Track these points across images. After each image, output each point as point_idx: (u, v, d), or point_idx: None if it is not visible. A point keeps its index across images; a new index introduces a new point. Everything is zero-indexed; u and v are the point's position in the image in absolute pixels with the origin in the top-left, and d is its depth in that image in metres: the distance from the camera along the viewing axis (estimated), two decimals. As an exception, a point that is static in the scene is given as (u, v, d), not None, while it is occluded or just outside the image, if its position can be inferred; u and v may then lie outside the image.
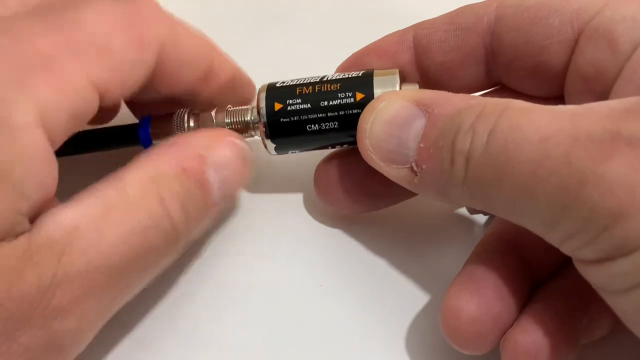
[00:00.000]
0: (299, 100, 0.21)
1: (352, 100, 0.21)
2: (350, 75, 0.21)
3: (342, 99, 0.21)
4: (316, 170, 0.24)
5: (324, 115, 0.21)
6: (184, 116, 0.23)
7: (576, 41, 0.20)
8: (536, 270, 0.20)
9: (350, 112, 0.21)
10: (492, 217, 0.24)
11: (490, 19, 0.21)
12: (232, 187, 0.22)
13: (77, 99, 0.17)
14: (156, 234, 0.18)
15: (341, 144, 0.22)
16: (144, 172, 0.19)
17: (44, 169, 0.17)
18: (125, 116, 0.24)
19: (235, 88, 0.24)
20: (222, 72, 0.23)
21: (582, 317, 0.19)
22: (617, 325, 0.19)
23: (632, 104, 0.15)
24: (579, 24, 0.20)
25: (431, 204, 0.25)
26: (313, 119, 0.21)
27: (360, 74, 0.21)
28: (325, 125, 0.21)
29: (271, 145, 0.22)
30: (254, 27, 0.32)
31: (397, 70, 0.21)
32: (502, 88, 0.23)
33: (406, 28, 0.23)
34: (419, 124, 0.18)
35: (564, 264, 0.20)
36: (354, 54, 0.23)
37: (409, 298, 0.23)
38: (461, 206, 0.25)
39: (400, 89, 0.21)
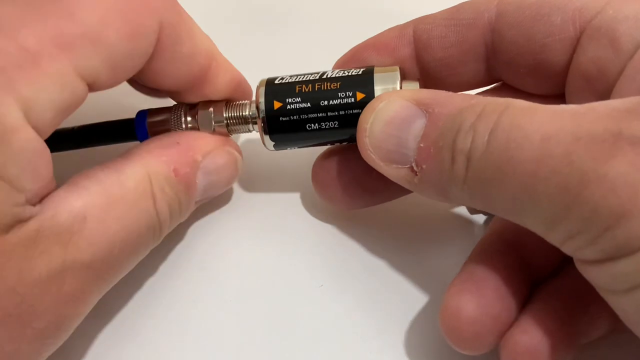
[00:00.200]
0: (298, 99, 0.21)
1: (353, 100, 0.21)
2: (350, 73, 0.21)
3: (342, 98, 0.21)
4: (314, 166, 0.24)
5: (324, 114, 0.21)
6: (181, 111, 0.23)
7: (578, 39, 0.20)
8: (536, 269, 0.20)
9: (351, 111, 0.21)
10: (491, 216, 0.24)
11: (491, 16, 0.21)
12: (214, 191, 0.23)
13: (63, 93, 0.17)
14: (146, 231, 0.20)
15: (340, 142, 0.22)
16: (141, 165, 0.20)
17: (37, 161, 0.17)
18: (122, 111, 0.24)
19: (234, 95, 0.23)
20: (221, 75, 0.22)
21: (581, 317, 0.19)
22: (617, 325, 0.19)
23: (634, 103, 0.15)
24: (581, 22, 0.20)
25: (431, 205, 0.25)
26: (313, 118, 0.21)
27: (360, 72, 0.21)
28: (325, 125, 0.21)
29: (269, 142, 0.22)
30: (252, 26, 0.32)
31: (397, 68, 0.21)
32: (503, 85, 0.23)
33: (406, 23, 0.22)
34: (419, 123, 0.18)
35: (564, 263, 0.20)
36: (352, 49, 0.23)
37: (409, 298, 0.22)
38: (461, 205, 0.25)
39: (401, 87, 0.21)
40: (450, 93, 0.19)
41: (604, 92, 0.19)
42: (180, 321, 0.22)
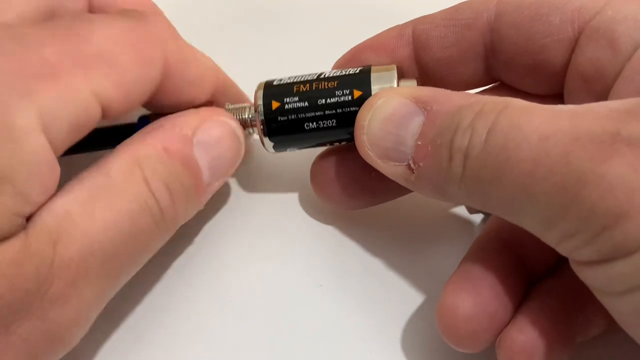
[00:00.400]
0: (296, 99, 0.21)
1: (350, 97, 0.21)
2: (347, 73, 0.21)
3: (339, 96, 0.21)
4: (312, 166, 0.24)
5: (322, 113, 0.21)
6: None
7: (576, 40, 0.20)
8: (532, 268, 0.20)
9: (348, 109, 0.21)
10: (488, 216, 0.24)
11: (490, 16, 0.21)
12: (224, 167, 0.22)
13: (79, 110, 0.17)
14: (143, 216, 0.19)
15: (339, 141, 0.22)
16: (128, 155, 0.19)
17: (46, 172, 0.17)
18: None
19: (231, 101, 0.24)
20: (226, 97, 0.23)
21: (578, 316, 0.19)
22: (613, 324, 0.19)
23: (633, 105, 0.15)
24: (580, 23, 0.20)
25: (431, 205, 0.25)
26: (311, 117, 0.21)
27: (357, 71, 0.21)
28: (323, 124, 0.21)
29: (269, 143, 0.22)
30: (252, 27, 0.32)
31: (394, 67, 0.21)
32: (501, 85, 0.23)
33: (405, 23, 0.22)
34: (417, 121, 0.18)
35: (560, 262, 0.20)
36: (351, 50, 0.23)
37: (409, 297, 0.23)
38: (459, 204, 0.25)
39: (398, 85, 0.21)
40: (449, 91, 0.19)
41: (602, 93, 0.19)
42: (179, 321, 0.22)
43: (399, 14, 0.24)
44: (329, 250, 0.24)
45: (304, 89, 0.21)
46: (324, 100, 0.21)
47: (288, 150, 0.23)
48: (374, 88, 0.20)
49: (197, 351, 0.22)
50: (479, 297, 0.19)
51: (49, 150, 0.17)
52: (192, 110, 0.21)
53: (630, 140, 0.14)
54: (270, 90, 0.22)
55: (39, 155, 0.16)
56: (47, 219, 0.17)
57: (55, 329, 0.17)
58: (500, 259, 0.20)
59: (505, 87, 0.22)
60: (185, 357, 0.22)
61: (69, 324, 0.18)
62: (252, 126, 0.23)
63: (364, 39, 0.23)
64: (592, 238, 0.15)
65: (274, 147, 0.22)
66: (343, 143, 0.22)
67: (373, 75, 0.21)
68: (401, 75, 0.21)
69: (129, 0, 0.22)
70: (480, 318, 0.19)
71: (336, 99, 0.21)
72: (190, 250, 0.24)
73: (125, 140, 0.20)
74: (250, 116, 0.22)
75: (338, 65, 0.23)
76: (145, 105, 0.21)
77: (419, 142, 0.18)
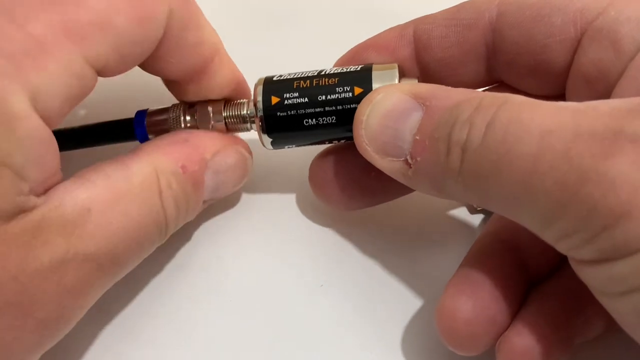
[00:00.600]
0: (296, 94, 0.21)
1: (350, 94, 0.20)
2: (348, 70, 0.21)
3: (340, 93, 0.21)
4: (311, 166, 0.23)
5: (322, 109, 0.21)
6: (180, 111, 0.22)
7: (579, 41, 0.20)
8: (532, 270, 0.20)
9: (348, 106, 0.20)
10: (488, 216, 0.24)
11: (492, 16, 0.21)
12: (224, 191, 0.23)
13: (72, 82, 0.17)
14: (152, 227, 0.19)
15: (338, 139, 0.22)
16: (149, 163, 0.20)
17: (43, 151, 0.17)
18: (121, 111, 0.24)
19: (233, 94, 0.23)
20: (223, 71, 0.22)
21: (577, 318, 0.19)
22: (612, 325, 0.18)
23: (636, 103, 0.15)
24: (582, 24, 0.19)
25: (431, 206, 0.25)
26: (310, 113, 0.21)
27: (358, 68, 0.21)
28: (323, 120, 0.21)
29: (267, 140, 0.22)
30: (252, 26, 0.32)
31: (396, 65, 0.21)
32: (502, 85, 0.22)
33: (406, 23, 0.22)
34: (416, 116, 0.18)
35: (561, 264, 0.20)
36: (352, 49, 0.23)
37: (408, 298, 0.22)
38: (457, 201, 0.24)
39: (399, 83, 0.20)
40: (448, 87, 0.18)
41: (605, 94, 0.19)
42: (179, 321, 0.22)
43: (399, 14, 0.24)
44: (328, 250, 0.24)
45: (304, 85, 0.21)
46: (324, 97, 0.21)
47: (286, 147, 0.22)
48: (375, 86, 0.20)
49: (196, 351, 0.22)
50: (478, 300, 0.19)
51: (44, 128, 0.16)
52: (217, 135, 0.22)
53: (634, 138, 0.14)
54: (270, 85, 0.21)
55: (34, 137, 0.16)
56: (67, 209, 0.17)
57: (67, 315, 0.18)
58: (500, 261, 0.19)
59: (506, 88, 0.22)
60: (185, 357, 0.21)
61: (79, 312, 0.18)
62: (250, 122, 0.22)
63: (365, 38, 0.23)
64: (592, 237, 0.14)
65: (272, 143, 0.22)
66: (342, 141, 0.22)
67: (374, 73, 0.21)
68: (402, 75, 0.21)
69: None
70: (480, 321, 0.18)
71: (337, 95, 0.21)
72: (190, 249, 0.24)
73: (151, 141, 0.21)
74: (249, 112, 0.22)
75: (339, 64, 0.23)
76: (141, 65, 0.20)
77: (417, 137, 0.18)
